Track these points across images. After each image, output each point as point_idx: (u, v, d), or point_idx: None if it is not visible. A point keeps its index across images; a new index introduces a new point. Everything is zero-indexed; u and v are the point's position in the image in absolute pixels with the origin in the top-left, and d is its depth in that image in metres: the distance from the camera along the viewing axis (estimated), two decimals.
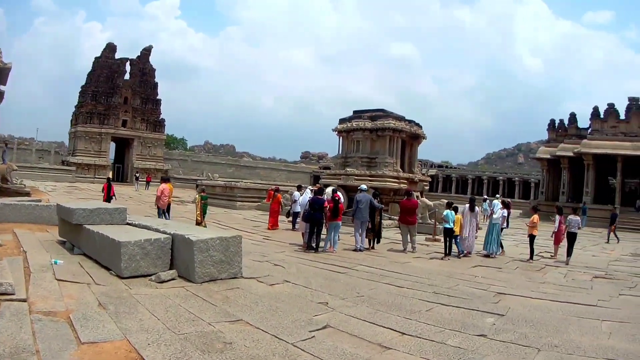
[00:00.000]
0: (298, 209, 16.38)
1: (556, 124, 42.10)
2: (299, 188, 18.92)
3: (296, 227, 15.95)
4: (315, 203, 12.50)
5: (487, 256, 13.08)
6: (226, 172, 59.95)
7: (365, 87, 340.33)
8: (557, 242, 13.70)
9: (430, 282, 8.90)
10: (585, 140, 35.90)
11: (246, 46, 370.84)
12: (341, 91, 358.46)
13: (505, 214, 15.21)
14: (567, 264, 12.57)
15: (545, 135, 43.12)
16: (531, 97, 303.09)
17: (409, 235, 13.41)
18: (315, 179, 67.44)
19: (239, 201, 26.27)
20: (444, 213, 13.01)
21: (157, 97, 56.31)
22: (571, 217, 13.82)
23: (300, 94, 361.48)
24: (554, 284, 9.57)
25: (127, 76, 54.12)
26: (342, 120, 24.44)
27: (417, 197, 20.87)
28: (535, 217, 13.71)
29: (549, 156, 39.74)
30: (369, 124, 22.94)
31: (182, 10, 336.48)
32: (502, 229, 14.18)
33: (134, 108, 53.62)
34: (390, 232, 17.33)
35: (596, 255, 15.64)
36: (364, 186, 14.02)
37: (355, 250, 12.69)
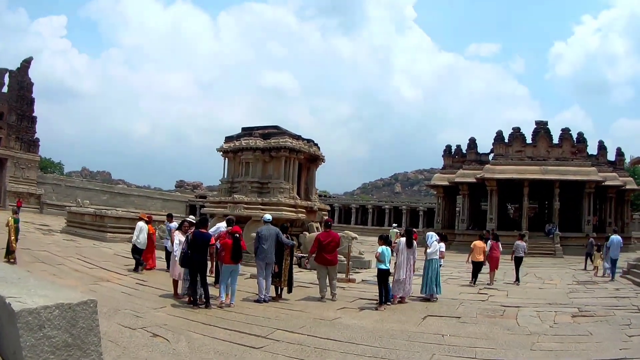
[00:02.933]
0: (170, 245, 12.63)
1: (452, 150, 41.95)
2: (170, 217, 15.54)
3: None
4: (198, 239, 9.33)
5: (427, 300, 11.13)
6: (100, 200, 55.90)
7: (240, 115, 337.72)
8: (493, 268, 14.56)
9: (392, 355, 6.28)
10: (488, 166, 35.84)
11: (126, 69, 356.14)
12: (215, 119, 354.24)
13: (443, 248, 13.06)
14: (517, 284, 14.34)
15: (425, 164, 44.54)
16: (408, 127, 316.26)
17: (327, 279, 10.88)
18: (191, 208, 65.66)
19: (109, 232, 23.12)
20: (379, 250, 10.52)
21: (34, 114, 51.71)
22: (518, 242, 15.89)
23: (175, 121, 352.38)
24: (543, 334, 7.81)
25: (5, 89, 49.48)
26: (228, 139, 21.74)
27: (317, 228, 19.37)
28: (479, 243, 14.37)
29: (446, 183, 39.14)
30: (260, 143, 20.34)
31: (68, 29, 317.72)
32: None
33: (9, 125, 48.52)
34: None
35: (542, 287, 14.35)
36: (267, 216, 11.08)
37: (258, 301, 9.90)
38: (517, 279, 15.03)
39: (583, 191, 34.14)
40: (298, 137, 21.49)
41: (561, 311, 10.01)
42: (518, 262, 15.35)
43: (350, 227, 52.08)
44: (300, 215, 19.87)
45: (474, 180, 35.74)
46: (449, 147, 42.48)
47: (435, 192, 44.45)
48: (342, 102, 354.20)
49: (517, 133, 37.04)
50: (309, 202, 21.49)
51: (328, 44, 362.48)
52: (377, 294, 10.43)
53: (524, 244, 15.95)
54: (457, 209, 44.42)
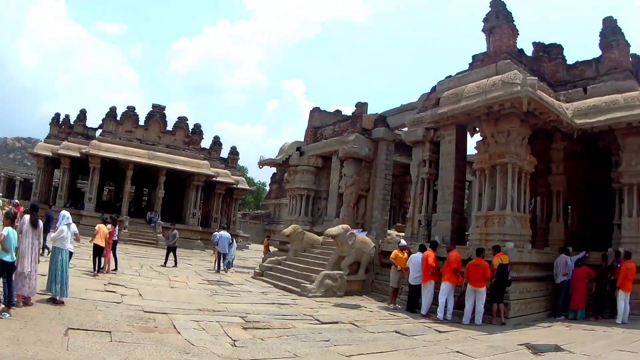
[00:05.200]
0: None
1: (61, 119, 38.85)
2: None
3: None
4: None
5: (54, 301, 9.04)
6: None
7: None
8: (108, 255, 14.52)
9: None
10: (94, 141, 33.85)
11: None
12: None
13: (75, 230, 10.58)
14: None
15: (25, 132, 39.94)
16: (15, 92, 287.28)
17: None
18: None
19: None
20: (4, 232, 8.04)
21: None
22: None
23: None
24: (236, 357, 6.77)
25: None
26: None
27: None
28: (103, 226, 14.10)
29: (49, 153, 36.00)
30: None
31: None
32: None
33: None
34: None
35: (175, 287, 13.61)
36: None
37: None
38: (116, 267, 15.29)
39: (192, 183, 34.89)
40: None
41: (225, 321, 9.24)
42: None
43: None
44: None
45: (78, 154, 33.46)
46: (57, 115, 39.02)
47: (37, 162, 39.86)
48: None
49: (131, 112, 36.14)
50: None
51: None
52: None
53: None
54: (53, 183, 41.87)
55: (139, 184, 38.18)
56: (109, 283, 12.39)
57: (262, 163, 27.16)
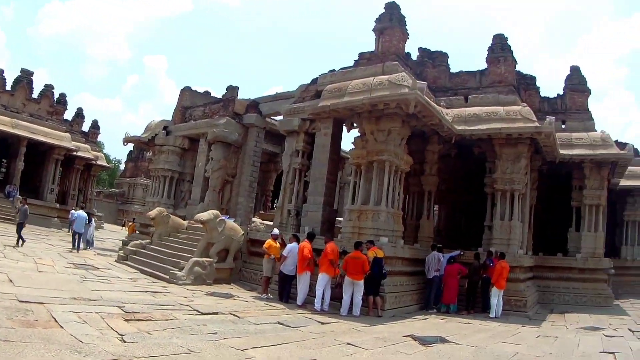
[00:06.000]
0: None
1: None
2: None
3: None
4: None
5: None
6: None
7: None
8: None
9: None
10: None
11: None
12: None
13: None
14: None
15: None
16: None
17: None
18: None
19: None
20: None
21: None
22: None
23: None
24: (130, 356, 6.16)
25: None
26: None
27: None
28: None
29: None
30: None
31: None
32: None
33: None
34: None
35: (42, 270, 12.73)
36: None
37: None
38: None
39: (52, 156, 32.73)
40: None
41: (104, 312, 8.71)
42: None
43: None
44: None
45: None
46: None
47: None
48: None
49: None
50: None
51: None
52: None
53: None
54: None
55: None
56: None
57: (128, 140, 25.99)
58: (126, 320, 8.36)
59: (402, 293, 13.20)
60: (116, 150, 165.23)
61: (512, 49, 16.91)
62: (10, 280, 10.47)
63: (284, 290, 12.96)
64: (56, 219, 31.59)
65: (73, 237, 19.62)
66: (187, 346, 7.01)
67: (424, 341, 8.79)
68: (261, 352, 7.24)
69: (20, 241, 17.40)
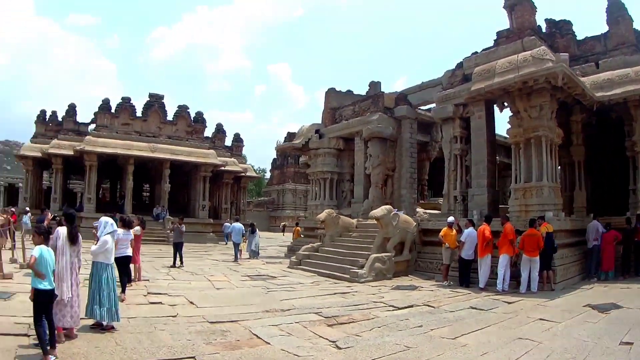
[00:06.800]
0: None
1: (47, 117, 40.29)
2: None
3: None
4: None
5: (100, 327, 8.31)
6: None
7: None
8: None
9: None
10: (89, 137, 34.63)
11: None
12: None
13: (123, 235, 11.36)
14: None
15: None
16: None
17: None
18: None
19: None
20: (36, 252, 6.90)
21: None
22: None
23: None
24: None
25: None
26: None
27: None
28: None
29: (38, 154, 37.30)
30: None
31: None
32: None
33: None
34: None
35: (220, 287, 14.06)
36: None
37: None
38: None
39: (198, 174, 36.34)
40: None
41: (304, 321, 9.37)
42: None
43: None
44: None
45: (71, 152, 34.50)
46: (43, 112, 40.33)
47: (24, 165, 40.88)
48: None
49: (126, 104, 37.05)
50: None
51: None
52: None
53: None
54: (43, 184, 42.61)
55: (138, 179, 38.51)
56: (148, 293, 12.14)
57: (281, 148, 29.33)
58: (329, 325, 9.11)
59: (567, 265, 14.47)
60: (257, 160, 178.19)
61: (626, 7, 17.90)
62: (192, 302, 11.11)
63: (464, 276, 14.30)
64: (211, 233, 35.35)
65: (235, 248, 22.59)
66: (402, 343, 7.73)
67: (602, 309, 10.17)
68: (470, 338, 8.15)
69: (178, 261, 19.09)
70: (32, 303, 6.78)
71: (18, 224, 22.50)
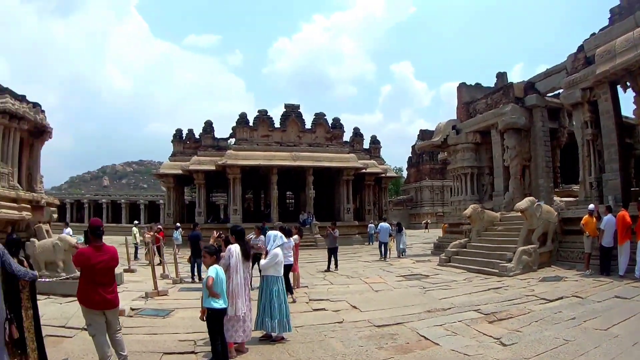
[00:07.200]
0: None
1: (184, 135, 44.28)
2: None
3: None
4: None
5: (270, 339, 9.13)
6: None
7: None
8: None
9: None
10: (231, 151, 37.84)
11: None
12: None
13: (291, 243, 13.41)
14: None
15: (133, 156, 45.28)
16: (117, 118, 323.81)
17: (107, 334, 7.14)
18: None
19: None
20: (212, 273, 7.68)
21: None
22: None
23: None
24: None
25: None
26: None
27: (49, 232, 16.93)
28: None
29: (179, 171, 40.93)
30: None
31: None
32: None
33: None
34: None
35: (379, 289, 15.23)
36: None
37: None
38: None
39: (341, 178, 38.48)
40: (22, 99, 18.19)
41: (465, 319, 10.21)
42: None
43: (78, 225, 52.95)
44: (25, 213, 16.72)
45: (213, 167, 37.90)
46: (179, 131, 44.34)
47: (164, 183, 46.08)
48: (48, 91, 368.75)
49: (263, 116, 39.95)
50: (34, 194, 18.36)
51: (44, 27, 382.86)
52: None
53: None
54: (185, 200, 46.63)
55: (281, 188, 41.83)
56: (310, 300, 13.11)
57: (421, 147, 30.89)
58: (490, 322, 9.78)
59: None
60: (390, 159, 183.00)
61: None
62: (354, 307, 12.03)
63: (605, 264, 14.82)
64: (357, 235, 37.42)
65: (380, 247, 25.05)
66: (560, 337, 8.27)
67: None
68: (620, 328, 8.68)
69: (333, 265, 20.67)
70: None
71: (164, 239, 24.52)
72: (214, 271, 7.48)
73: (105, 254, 7.09)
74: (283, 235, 9.95)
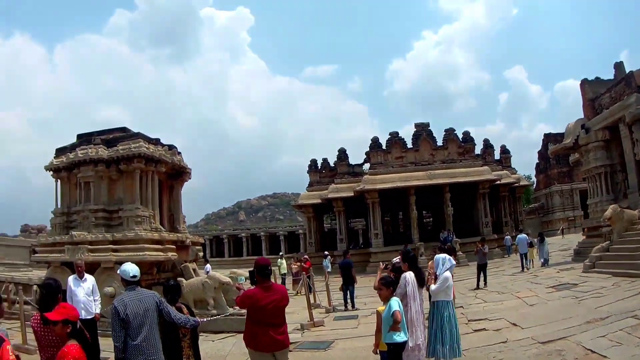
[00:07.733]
0: None
1: (319, 165, 45.15)
2: None
3: None
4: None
5: None
6: None
7: None
8: None
9: None
10: (367, 176, 38.37)
11: None
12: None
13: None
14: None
15: (267, 190, 46.99)
16: (247, 155, 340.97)
17: None
18: (35, 253, 60.81)
19: None
20: (397, 307, 7.19)
21: None
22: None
23: (14, 162, 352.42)
24: None
25: None
26: (60, 151, 18.07)
27: (195, 271, 17.63)
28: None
29: (317, 201, 41.82)
30: (104, 152, 16.93)
31: None
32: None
33: None
34: None
35: (533, 303, 15.08)
36: (129, 268, 6.62)
37: None
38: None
39: (477, 192, 38.21)
40: (156, 142, 18.40)
41: (625, 327, 10.13)
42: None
43: (218, 260, 56.99)
44: (170, 254, 16.88)
45: (352, 194, 38.49)
46: (314, 161, 45.42)
47: (303, 213, 47.54)
48: (176, 135, 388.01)
49: (395, 138, 40.28)
50: (179, 234, 18.58)
51: (162, 74, 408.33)
52: None
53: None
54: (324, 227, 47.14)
55: (418, 207, 41.27)
56: (469, 321, 13.13)
57: (554, 151, 30.31)
58: None
59: None
60: (517, 167, 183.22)
61: None
62: (514, 324, 11.93)
63: None
64: (497, 248, 36.74)
65: (521, 259, 25.04)
66: None
67: None
68: None
69: (482, 282, 20.54)
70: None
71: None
72: (397, 304, 7.12)
73: (275, 294, 6.88)
74: (451, 258, 9.68)
